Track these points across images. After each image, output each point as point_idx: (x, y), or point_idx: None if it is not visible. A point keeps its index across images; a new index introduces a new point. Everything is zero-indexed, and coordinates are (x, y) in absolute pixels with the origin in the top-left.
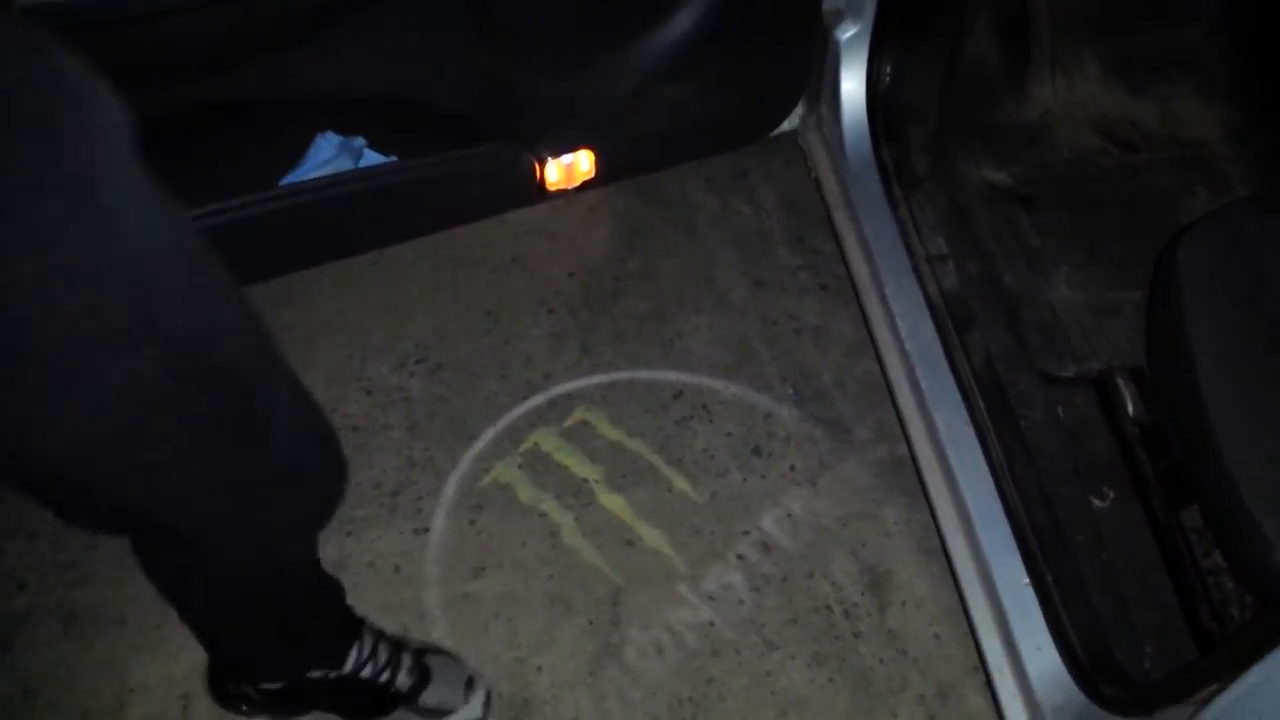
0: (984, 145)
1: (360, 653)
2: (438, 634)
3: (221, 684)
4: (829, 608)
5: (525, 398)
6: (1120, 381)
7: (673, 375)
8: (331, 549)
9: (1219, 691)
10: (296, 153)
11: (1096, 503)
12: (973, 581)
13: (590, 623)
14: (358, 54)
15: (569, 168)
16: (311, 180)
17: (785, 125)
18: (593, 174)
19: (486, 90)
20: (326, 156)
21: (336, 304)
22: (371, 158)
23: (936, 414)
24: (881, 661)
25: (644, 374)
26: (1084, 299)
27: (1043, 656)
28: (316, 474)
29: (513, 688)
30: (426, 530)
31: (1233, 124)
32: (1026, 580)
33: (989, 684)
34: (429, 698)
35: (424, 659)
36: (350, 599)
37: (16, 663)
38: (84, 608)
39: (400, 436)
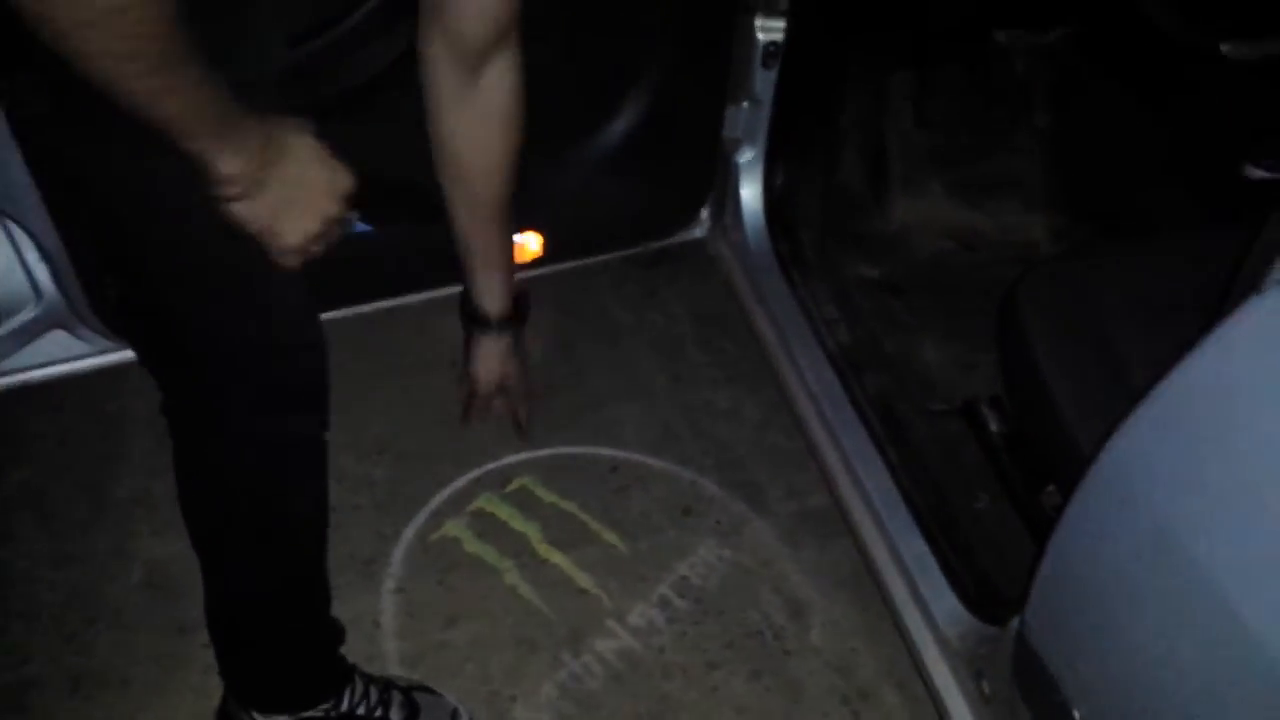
0: (858, 249)
1: (354, 694)
2: (419, 675)
3: None
4: (760, 632)
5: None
6: (983, 407)
7: (607, 451)
8: None
9: None
10: None
11: (975, 505)
12: (883, 555)
13: (554, 658)
14: (352, 142)
15: (520, 246)
16: None
17: (696, 233)
18: (540, 253)
19: None
20: None
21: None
22: (360, 228)
23: (841, 436)
24: (810, 673)
25: (581, 450)
26: (949, 359)
27: (943, 601)
28: (306, 347)
29: (490, 715)
30: (402, 590)
31: (1054, 227)
32: (926, 548)
33: (900, 631)
34: None
35: (411, 695)
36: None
37: None
38: (88, 673)
39: (369, 514)
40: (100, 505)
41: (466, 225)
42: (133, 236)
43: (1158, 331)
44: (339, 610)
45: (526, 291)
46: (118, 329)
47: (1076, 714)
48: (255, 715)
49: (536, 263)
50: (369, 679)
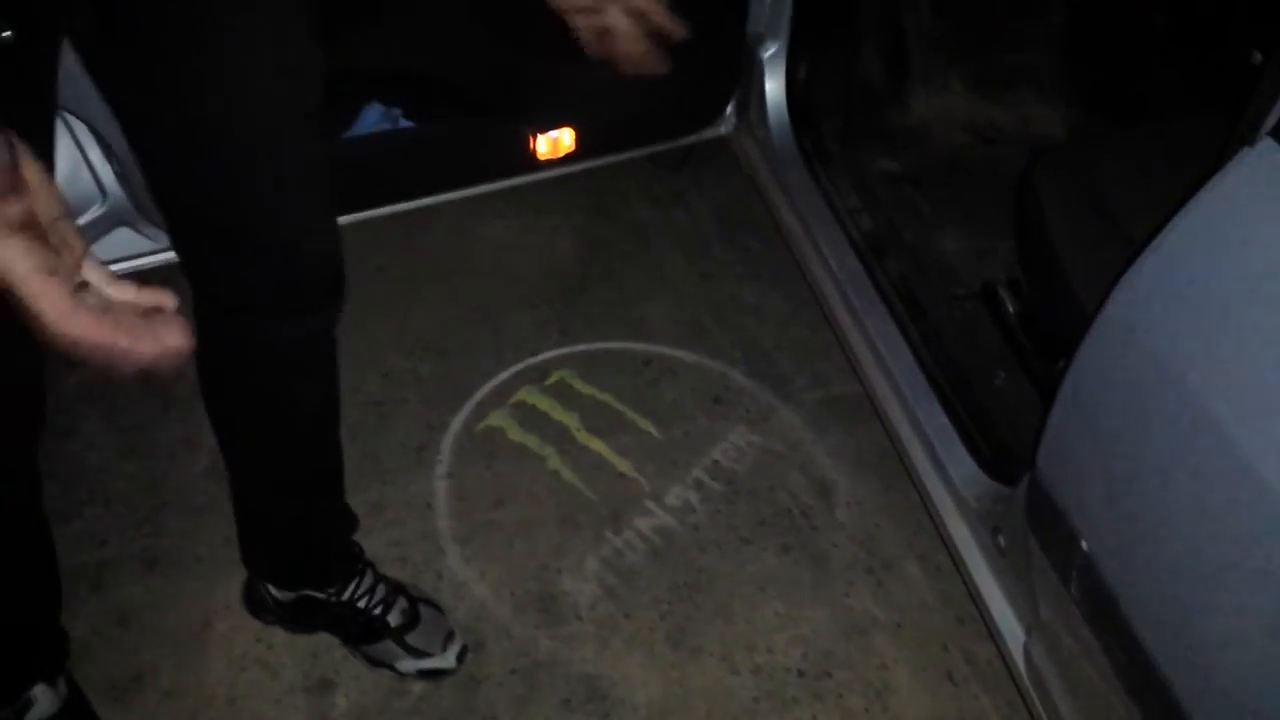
0: (879, 142)
1: (360, 585)
2: (470, 552)
3: (254, 593)
4: (789, 511)
5: (513, 365)
6: (1000, 289)
7: (640, 346)
8: (372, 493)
9: None
10: (350, 118)
11: (994, 382)
12: (905, 429)
13: (597, 535)
14: (396, 39)
15: (554, 141)
16: (365, 136)
17: (721, 130)
18: (574, 149)
19: (493, 74)
20: (373, 121)
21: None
22: (405, 124)
23: (866, 319)
24: (835, 546)
25: (615, 345)
26: (967, 247)
27: (962, 467)
28: (325, 253)
29: (539, 587)
30: (451, 475)
31: (1069, 119)
32: (947, 421)
33: (921, 497)
34: (413, 639)
35: (417, 606)
36: (390, 533)
37: (109, 598)
38: (162, 552)
39: (417, 407)
40: (164, 401)
41: None
42: (179, 130)
43: (1165, 207)
44: (390, 493)
45: None
46: None
47: (1084, 544)
48: (270, 588)
49: (570, 159)
50: (381, 578)
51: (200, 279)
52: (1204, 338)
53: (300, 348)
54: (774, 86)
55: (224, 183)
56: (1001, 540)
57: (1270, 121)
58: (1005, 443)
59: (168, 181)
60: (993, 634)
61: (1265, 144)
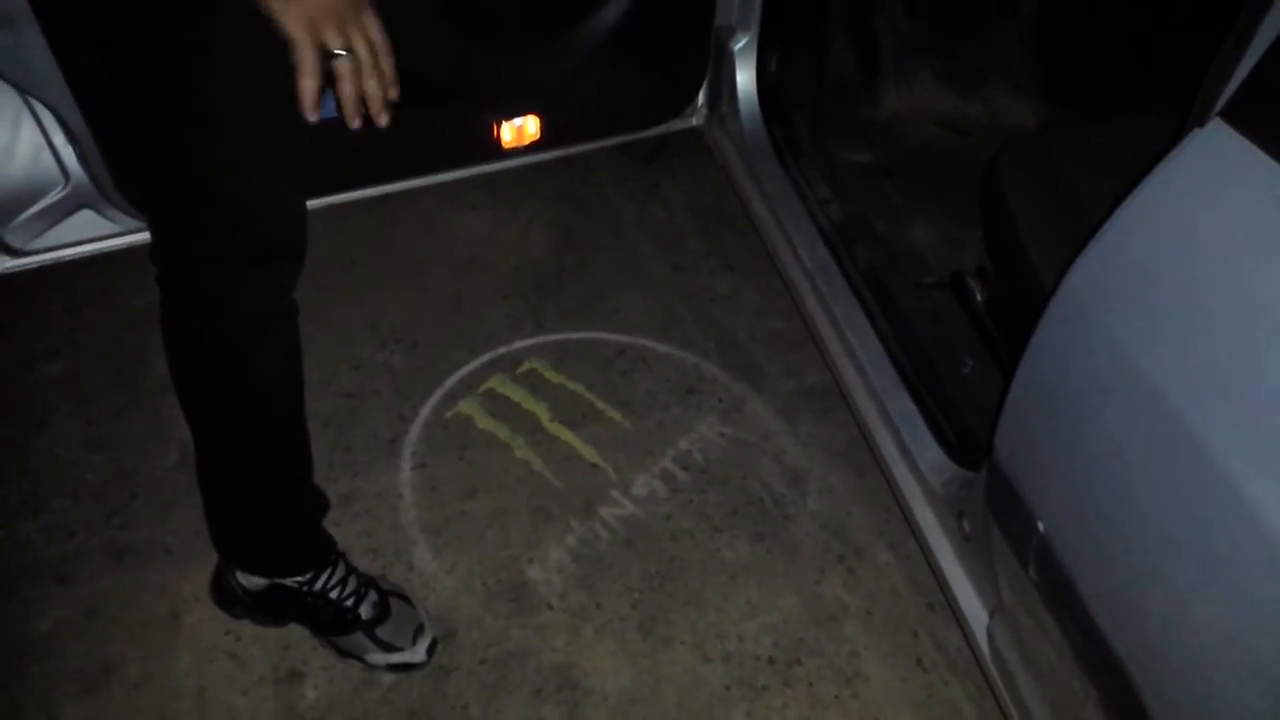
0: (850, 135)
1: (333, 575)
2: (441, 543)
3: (223, 586)
4: (761, 499)
5: (484, 355)
6: (969, 278)
7: (613, 337)
8: (343, 485)
9: None
10: None
11: (962, 370)
12: (874, 416)
13: (568, 525)
14: None
15: (519, 130)
16: (325, 120)
17: (693, 121)
18: (538, 137)
19: (458, 63)
20: (334, 106)
21: (318, 300)
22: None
23: (835, 307)
24: (808, 535)
25: (589, 335)
26: (938, 237)
27: (929, 453)
28: (285, 217)
29: (510, 576)
30: (423, 466)
31: (1040, 112)
32: (914, 408)
33: (889, 484)
34: (383, 632)
35: (388, 599)
36: (361, 524)
37: (77, 591)
38: (131, 544)
39: (390, 399)
40: (133, 393)
41: None
42: (149, 82)
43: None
44: (362, 484)
45: None
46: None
47: (1041, 526)
48: (240, 577)
49: (535, 147)
50: (353, 570)
51: (168, 233)
52: (1154, 318)
53: (263, 305)
54: (745, 78)
55: (198, 140)
56: (966, 525)
57: (1220, 102)
58: (971, 429)
59: (145, 135)
60: (958, 618)
61: (1214, 124)
